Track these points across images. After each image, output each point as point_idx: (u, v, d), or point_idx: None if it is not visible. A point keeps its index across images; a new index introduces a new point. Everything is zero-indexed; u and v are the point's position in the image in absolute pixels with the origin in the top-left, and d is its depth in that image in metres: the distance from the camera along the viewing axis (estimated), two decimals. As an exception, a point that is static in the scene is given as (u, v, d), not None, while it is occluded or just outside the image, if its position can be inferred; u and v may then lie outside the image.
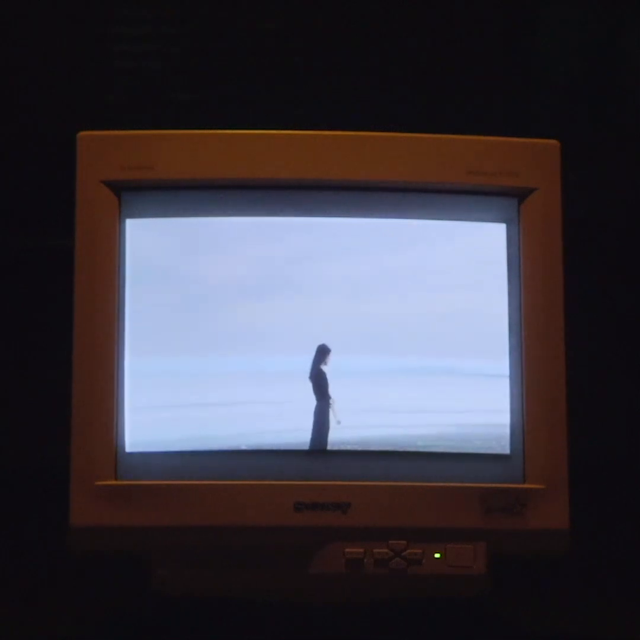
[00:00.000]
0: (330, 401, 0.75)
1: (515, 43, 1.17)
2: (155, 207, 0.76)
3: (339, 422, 0.75)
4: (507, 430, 0.75)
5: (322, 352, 0.75)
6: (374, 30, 1.15)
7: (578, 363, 0.77)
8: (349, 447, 0.75)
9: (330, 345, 0.75)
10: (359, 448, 0.75)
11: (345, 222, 0.76)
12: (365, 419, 0.75)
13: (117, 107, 1.17)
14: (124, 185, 0.76)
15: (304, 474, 0.74)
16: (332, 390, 0.75)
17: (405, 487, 0.74)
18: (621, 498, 1.02)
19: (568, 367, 0.75)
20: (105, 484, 0.74)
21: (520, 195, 0.77)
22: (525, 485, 0.74)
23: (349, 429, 0.75)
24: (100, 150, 0.76)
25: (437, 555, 0.74)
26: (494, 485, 0.74)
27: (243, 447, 0.75)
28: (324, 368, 0.75)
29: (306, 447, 0.75)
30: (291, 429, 0.75)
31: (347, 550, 0.74)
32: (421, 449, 0.75)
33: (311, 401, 0.75)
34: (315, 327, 0.75)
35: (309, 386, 0.75)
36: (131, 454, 0.75)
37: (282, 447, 0.75)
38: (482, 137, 0.77)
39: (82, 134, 0.76)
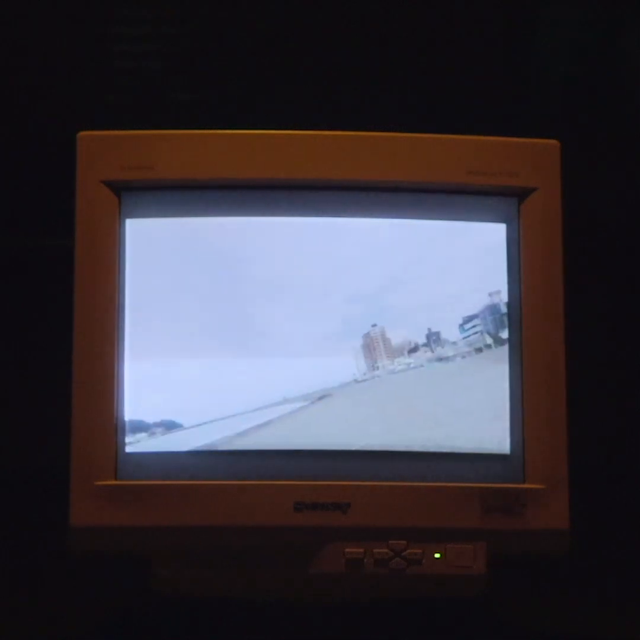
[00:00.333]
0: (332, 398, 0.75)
1: (515, 43, 1.17)
2: (155, 207, 0.76)
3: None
4: (507, 430, 0.75)
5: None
6: (374, 30, 1.15)
7: (578, 363, 0.77)
8: (349, 447, 0.75)
9: (330, 344, 0.75)
10: (359, 448, 0.75)
11: (345, 222, 0.77)
12: (365, 419, 0.75)
13: (117, 107, 1.16)
14: (124, 185, 0.76)
15: (304, 474, 0.74)
16: (334, 389, 0.75)
17: (405, 487, 0.74)
18: (621, 498, 1.02)
19: (568, 367, 0.75)
20: (105, 484, 0.74)
21: (520, 195, 0.77)
22: (525, 485, 0.74)
23: (349, 429, 0.75)
24: (100, 150, 0.76)
25: (437, 555, 0.74)
26: (494, 485, 0.74)
27: (243, 447, 0.75)
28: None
29: (306, 447, 0.75)
30: (292, 429, 0.75)
31: (347, 550, 0.74)
32: (421, 449, 0.75)
33: (311, 401, 0.75)
34: (315, 326, 0.75)
35: (309, 386, 0.75)
36: (131, 454, 0.75)
37: (282, 447, 0.75)
38: (482, 137, 0.77)
39: (82, 134, 0.76)
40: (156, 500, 0.73)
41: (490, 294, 0.76)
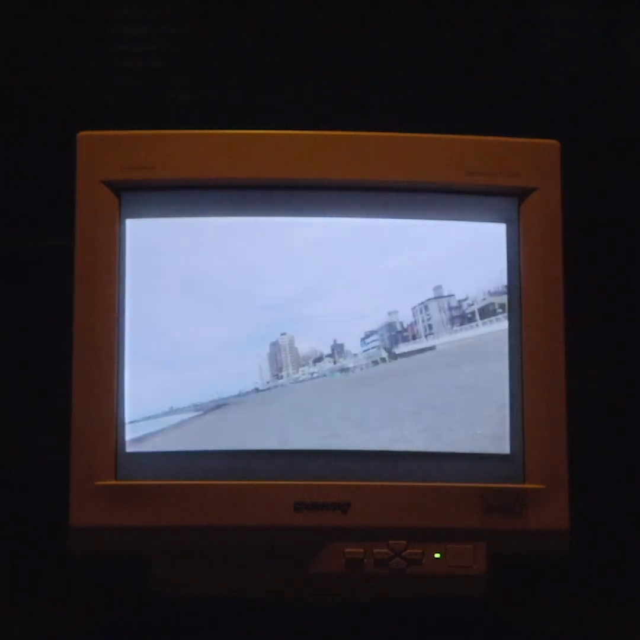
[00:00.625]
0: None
1: (515, 43, 1.17)
2: (155, 207, 0.76)
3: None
4: (507, 430, 0.75)
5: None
6: (373, 30, 1.15)
7: (578, 363, 0.77)
8: (349, 447, 0.75)
9: (331, 344, 0.75)
10: (359, 448, 0.75)
11: (345, 222, 0.76)
12: (365, 419, 0.75)
13: (117, 107, 1.17)
14: (124, 185, 0.76)
15: (304, 474, 0.74)
16: (335, 388, 0.75)
17: (405, 487, 0.74)
18: (621, 498, 1.02)
19: (568, 367, 0.75)
20: (105, 484, 0.74)
21: (520, 195, 0.77)
22: (525, 485, 0.74)
23: (349, 429, 0.75)
24: (100, 150, 0.76)
25: (437, 555, 0.74)
26: (494, 485, 0.74)
27: (243, 447, 0.75)
28: (325, 366, 0.75)
29: (306, 447, 0.75)
30: (292, 429, 0.75)
31: (347, 550, 0.74)
32: (421, 449, 0.75)
33: (312, 401, 0.75)
34: (316, 326, 0.75)
35: (309, 386, 0.75)
36: (131, 454, 0.75)
37: (282, 447, 0.75)
38: (482, 137, 0.77)
39: (82, 134, 0.76)
40: (156, 500, 0.73)
41: (489, 294, 0.76)
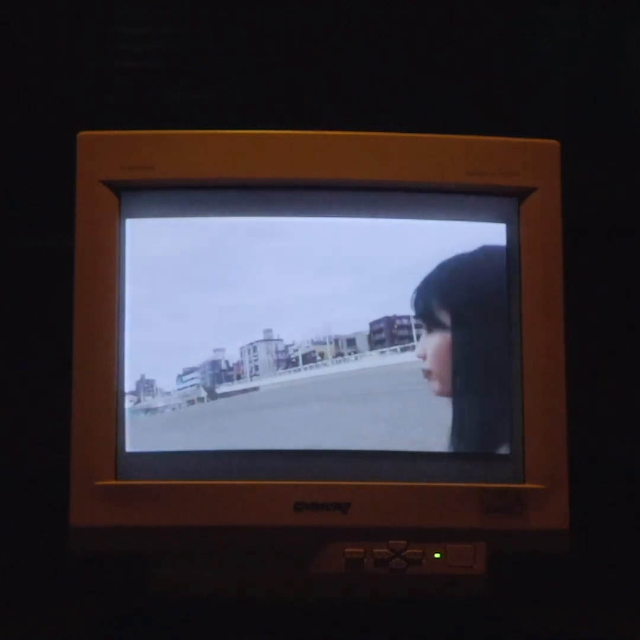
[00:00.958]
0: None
1: (515, 43, 1.17)
2: (155, 207, 0.76)
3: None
4: (507, 430, 0.75)
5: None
6: (373, 30, 1.15)
7: (578, 363, 0.77)
8: (349, 447, 0.75)
9: (330, 343, 0.75)
10: (359, 448, 0.75)
11: (345, 222, 0.76)
12: (365, 419, 0.75)
13: (117, 107, 1.16)
14: (124, 185, 0.76)
15: (304, 474, 0.74)
16: (335, 388, 0.75)
17: (405, 487, 0.74)
18: (621, 498, 1.02)
19: (568, 367, 0.75)
20: (105, 484, 0.74)
21: (520, 195, 0.77)
22: (525, 485, 0.74)
23: (349, 429, 0.75)
24: (100, 150, 0.76)
25: (437, 555, 0.74)
26: (494, 485, 0.74)
27: (243, 447, 0.75)
28: (325, 366, 0.75)
29: (306, 447, 0.75)
30: (291, 428, 0.75)
31: (347, 550, 0.74)
32: (421, 449, 0.75)
33: (312, 401, 0.75)
34: (315, 326, 0.75)
35: (309, 386, 0.75)
36: (131, 454, 0.75)
37: (282, 447, 0.75)
38: (482, 137, 0.77)
39: (82, 134, 0.76)
40: (156, 500, 0.73)
41: (489, 294, 0.76)
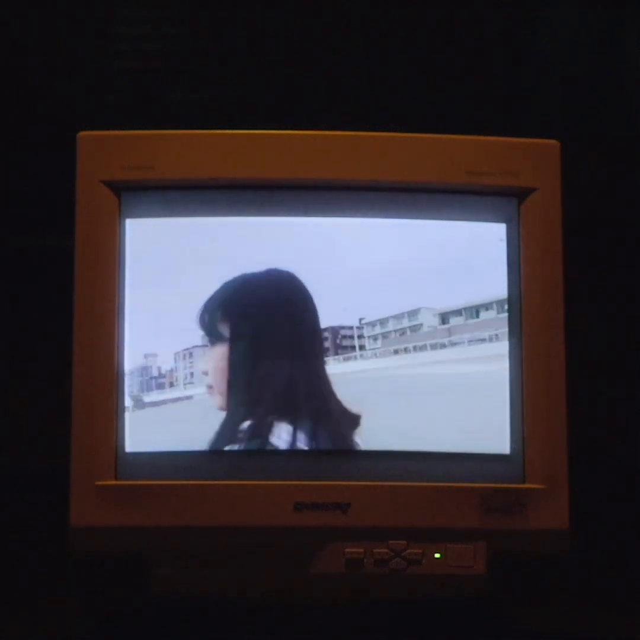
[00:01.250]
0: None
1: (515, 43, 1.17)
2: (155, 207, 0.76)
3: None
4: (507, 430, 0.75)
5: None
6: (374, 30, 1.15)
7: (578, 363, 0.77)
8: (349, 447, 0.75)
9: (330, 343, 0.75)
10: (359, 448, 0.75)
11: (345, 222, 0.77)
12: (365, 419, 0.75)
13: (117, 107, 1.16)
14: (124, 185, 0.76)
15: (304, 474, 0.74)
16: (335, 389, 0.75)
17: (405, 487, 0.74)
18: (621, 498, 1.02)
19: (568, 367, 0.75)
20: (105, 484, 0.74)
21: (520, 195, 0.77)
22: (525, 485, 0.74)
23: (349, 429, 0.75)
24: (100, 150, 0.76)
25: (437, 555, 0.74)
26: (494, 485, 0.74)
27: (243, 447, 0.75)
28: (324, 366, 0.75)
29: (306, 447, 0.75)
30: (292, 429, 0.75)
31: (347, 550, 0.74)
32: (421, 449, 0.75)
33: (311, 401, 0.75)
34: (316, 326, 0.75)
35: (309, 386, 0.75)
36: (131, 454, 0.75)
37: (282, 447, 0.75)
38: (482, 137, 0.77)
39: (82, 134, 0.76)
40: (156, 500, 0.73)
41: (489, 294, 0.76)
